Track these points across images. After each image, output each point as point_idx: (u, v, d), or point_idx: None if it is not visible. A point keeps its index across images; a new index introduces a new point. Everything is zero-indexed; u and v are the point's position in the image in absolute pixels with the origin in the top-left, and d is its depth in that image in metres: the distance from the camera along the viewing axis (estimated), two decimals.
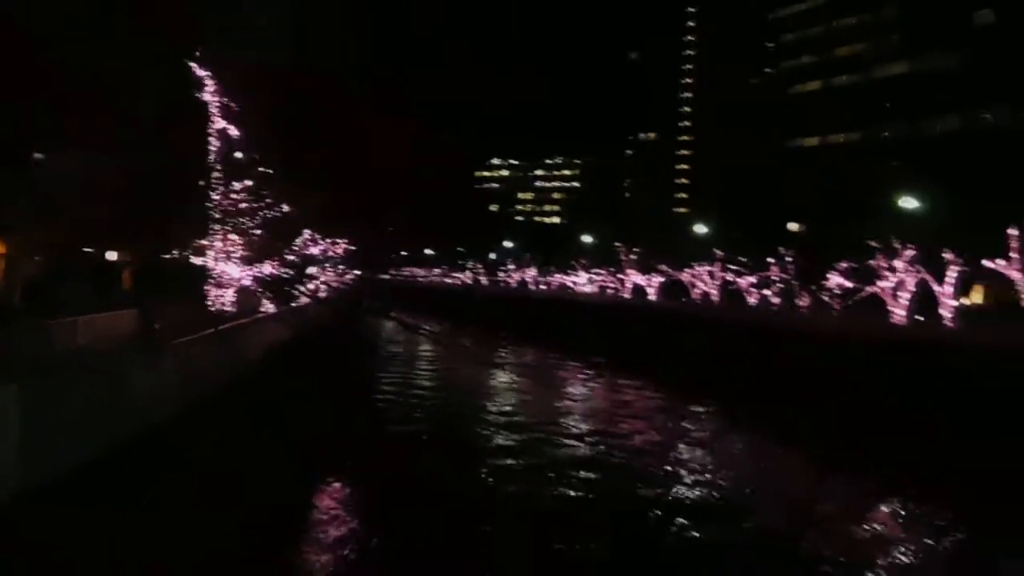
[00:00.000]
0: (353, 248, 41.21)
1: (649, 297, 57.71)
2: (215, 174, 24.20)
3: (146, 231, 22.19)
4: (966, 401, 22.49)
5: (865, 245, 36.40)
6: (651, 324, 48.57)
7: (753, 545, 14.55)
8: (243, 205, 24.91)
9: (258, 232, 25.92)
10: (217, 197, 24.38)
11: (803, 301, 41.44)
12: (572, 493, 17.12)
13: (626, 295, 61.71)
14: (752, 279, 46.53)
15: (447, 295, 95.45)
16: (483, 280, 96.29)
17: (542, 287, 79.98)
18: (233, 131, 24.21)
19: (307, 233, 36.39)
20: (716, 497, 17.48)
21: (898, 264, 32.76)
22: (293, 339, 33.44)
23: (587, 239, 79.85)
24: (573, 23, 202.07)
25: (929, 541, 15.11)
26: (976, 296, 40.66)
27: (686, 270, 54.54)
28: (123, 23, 23.43)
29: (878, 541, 15.04)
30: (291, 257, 31.45)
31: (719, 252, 50.97)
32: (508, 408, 28.27)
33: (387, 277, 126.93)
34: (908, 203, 38.83)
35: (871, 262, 34.16)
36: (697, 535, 14.85)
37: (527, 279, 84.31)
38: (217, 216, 24.36)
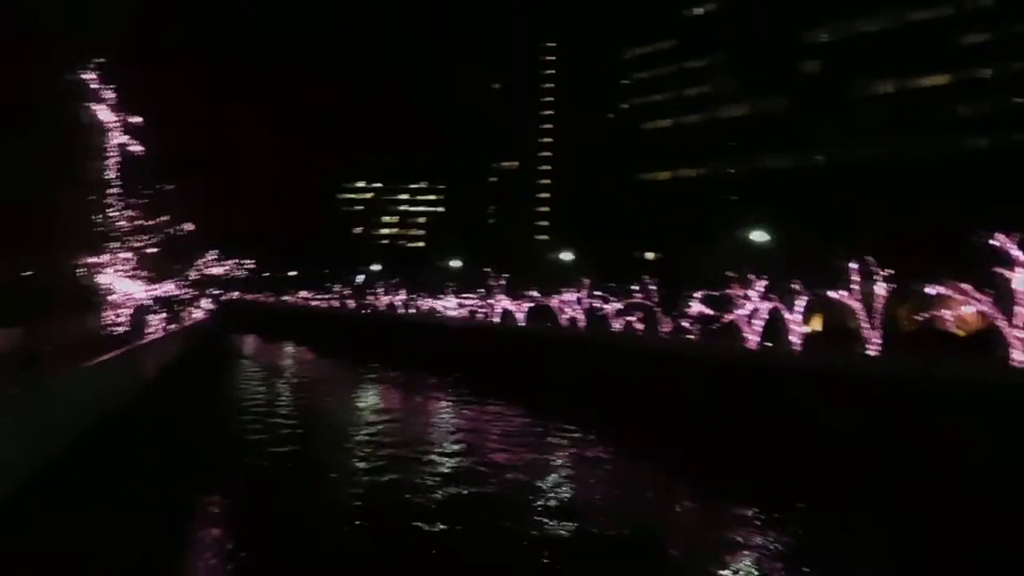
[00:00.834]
0: (255, 268, 40.02)
1: (519, 322, 59.35)
2: (112, 189, 23.08)
3: (25, 244, 20.62)
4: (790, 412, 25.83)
5: (718, 274, 39.70)
6: (521, 347, 50.36)
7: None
8: (142, 222, 23.90)
9: (157, 250, 24.94)
10: (115, 213, 23.25)
11: (665, 327, 44.24)
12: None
13: (496, 319, 63.13)
14: (619, 305, 49.01)
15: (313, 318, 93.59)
16: (350, 304, 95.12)
17: (411, 311, 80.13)
18: (136, 147, 23.25)
19: (211, 254, 34.89)
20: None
21: (752, 293, 35.88)
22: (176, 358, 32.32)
23: (455, 263, 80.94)
24: (436, 48, 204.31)
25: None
26: (816, 323, 45.03)
27: (555, 296, 56.58)
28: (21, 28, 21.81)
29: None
30: (194, 276, 30.46)
31: (586, 280, 53.42)
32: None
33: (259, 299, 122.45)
34: (759, 236, 42.48)
35: (727, 291, 37.18)
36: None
37: (396, 303, 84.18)
38: (113, 233, 23.23)
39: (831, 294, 32.10)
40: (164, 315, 31.63)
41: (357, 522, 16.88)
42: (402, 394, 42.72)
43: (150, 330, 29.64)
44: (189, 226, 28.76)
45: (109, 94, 23.17)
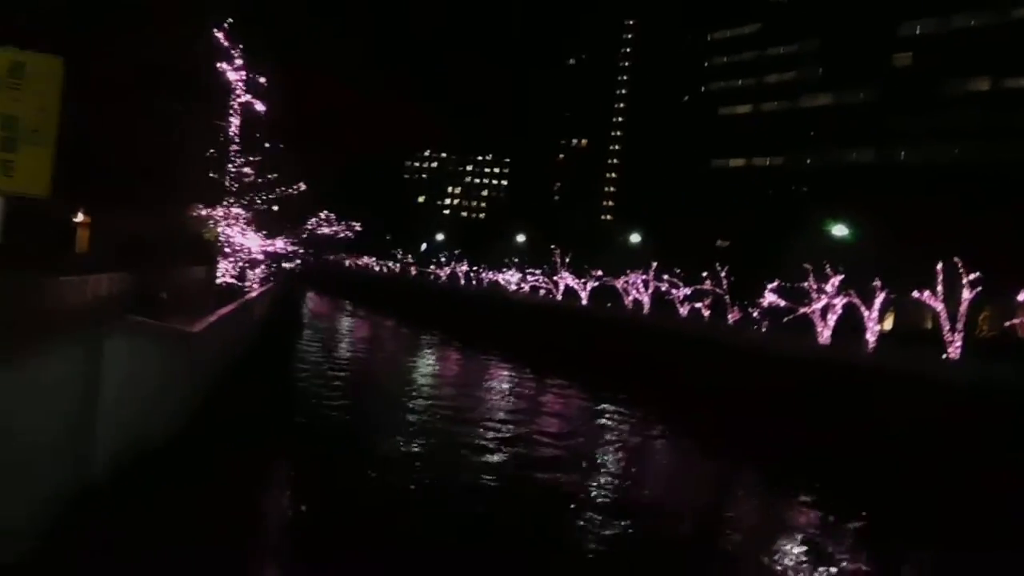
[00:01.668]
0: (361, 230, 40.58)
1: (582, 301, 59.38)
2: (233, 147, 23.95)
3: (146, 195, 21.42)
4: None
5: (793, 267, 38.97)
6: (585, 328, 50.29)
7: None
8: (259, 179, 24.76)
9: (274, 208, 25.84)
10: (234, 169, 24.13)
11: (733, 316, 43.75)
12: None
13: (559, 297, 63.32)
14: (687, 291, 48.63)
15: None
16: (412, 271, 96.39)
17: (473, 283, 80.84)
18: (259, 106, 24.04)
19: (323, 214, 35.49)
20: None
21: (828, 287, 35.25)
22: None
23: (520, 238, 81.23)
24: (511, 23, 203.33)
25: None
26: (887, 323, 44.05)
27: (620, 277, 56.40)
28: None
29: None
30: (304, 235, 31.55)
31: (654, 263, 53.09)
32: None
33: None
34: (838, 231, 41.60)
35: (803, 284, 36.57)
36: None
37: (459, 274, 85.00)
38: (232, 188, 24.10)
39: (915, 295, 31.31)
40: (262, 271, 32.66)
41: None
42: (462, 362, 43.40)
43: (253, 284, 30.70)
44: (302, 186, 29.52)
45: (236, 54, 23.86)
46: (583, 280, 60.43)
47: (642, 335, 44.07)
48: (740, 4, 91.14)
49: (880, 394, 25.96)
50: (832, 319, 35.10)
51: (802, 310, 35.58)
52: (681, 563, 14.36)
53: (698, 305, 47.73)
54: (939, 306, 30.39)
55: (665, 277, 51.47)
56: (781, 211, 65.84)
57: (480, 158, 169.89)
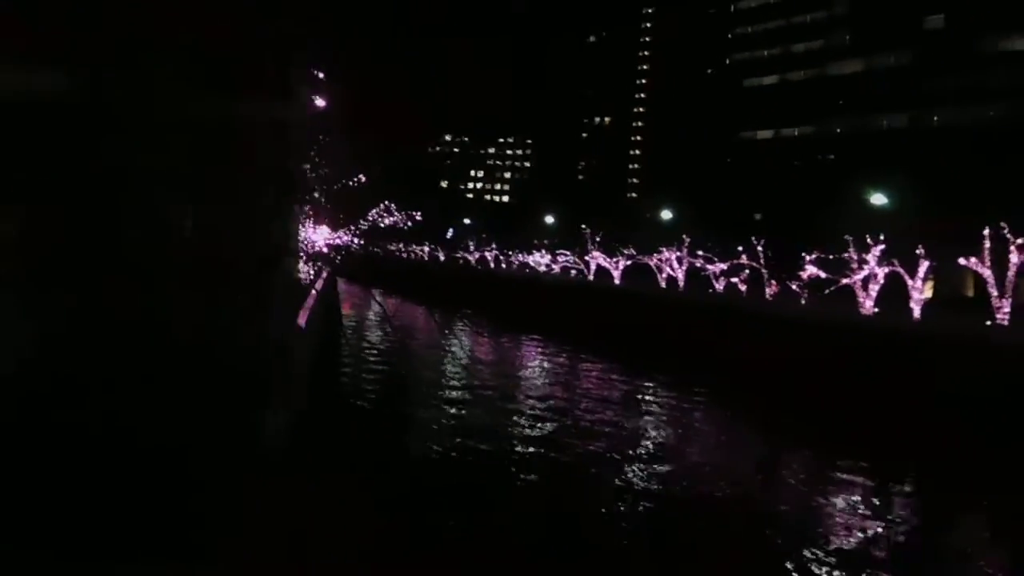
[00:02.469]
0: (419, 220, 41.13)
1: (614, 280, 59.04)
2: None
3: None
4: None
5: (831, 237, 38.41)
6: (620, 306, 50.13)
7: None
8: (323, 172, 25.01)
9: (332, 201, 26.07)
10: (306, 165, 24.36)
11: (771, 289, 43.30)
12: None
13: (590, 277, 63.04)
14: (723, 266, 48.19)
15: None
16: (440, 257, 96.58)
17: (503, 266, 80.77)
18: (319, 102, 24.23)
19: (383, 204, 35.78)
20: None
21: (870, 257, 34.76)
22: None
23: (548, 219, 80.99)
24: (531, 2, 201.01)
25: None
26: (928, 291, 43.37)
27: (653, 255, 55.93)
28: None
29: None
30: (364, 227, 32.00)
31: (687, 238, 52.59)
32: None
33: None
34: (877, 199, 40.98)
35: (844, 254, 36.07)
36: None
37: (488, 257, 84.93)
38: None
39: (961, 261, 30.81)
40: (318, 263, 33.21)
41: None
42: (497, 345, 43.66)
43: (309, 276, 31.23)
44: (362, 178, 29.89)
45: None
46: (615, 259, 60.05)
47: (680, 311, 43.87)
48: None
49: (941, 360, 25.56)
50: (874, 289, 34.65)
51: (844, 281, 35.15)
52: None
53: (735, 280, 47.24)
54: (987, 272, 29.88)
55: (700, 253, 50.99)
56: (813, 181, 64.90)
57: (501, 140, 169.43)
